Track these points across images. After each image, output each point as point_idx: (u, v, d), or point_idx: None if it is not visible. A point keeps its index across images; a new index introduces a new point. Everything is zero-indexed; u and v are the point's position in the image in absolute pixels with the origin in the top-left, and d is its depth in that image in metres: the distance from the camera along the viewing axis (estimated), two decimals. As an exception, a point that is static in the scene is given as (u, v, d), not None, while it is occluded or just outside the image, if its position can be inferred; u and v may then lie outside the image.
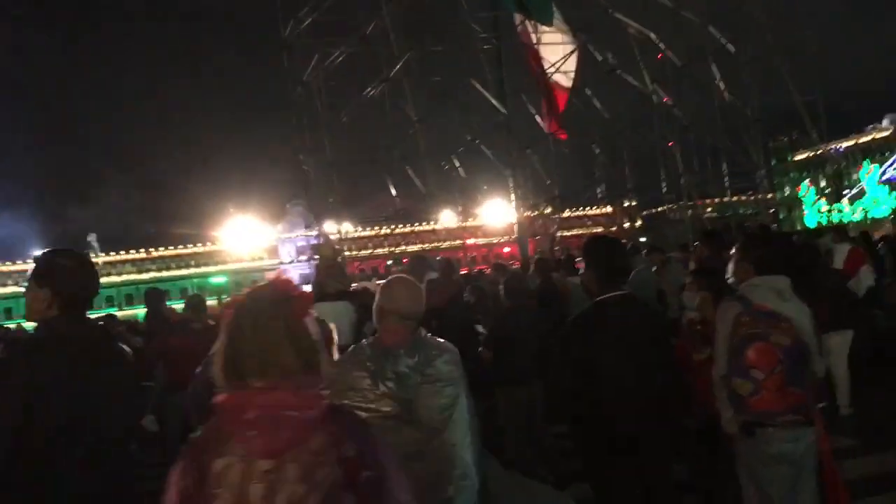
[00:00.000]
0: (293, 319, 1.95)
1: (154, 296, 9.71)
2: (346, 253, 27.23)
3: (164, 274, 52.81)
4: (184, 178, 70.35)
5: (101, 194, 66.35)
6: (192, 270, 52.88)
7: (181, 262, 53.54)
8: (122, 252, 54.05)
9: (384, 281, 3.53)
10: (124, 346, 3.96)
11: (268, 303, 1.95)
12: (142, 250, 54.46)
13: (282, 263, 48.42)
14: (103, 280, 53.68)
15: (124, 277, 53.63)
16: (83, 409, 2.74)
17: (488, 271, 12.98)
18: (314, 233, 23.16)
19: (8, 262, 53.04)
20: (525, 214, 24.89)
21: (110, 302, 48.88)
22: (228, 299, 2.20)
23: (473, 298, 8.80)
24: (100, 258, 51.33)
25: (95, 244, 23.05)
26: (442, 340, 3.24)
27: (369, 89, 22.64)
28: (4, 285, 51.01)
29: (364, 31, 21.87)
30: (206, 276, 51.69)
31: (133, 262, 54.99)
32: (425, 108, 22.56)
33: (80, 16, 76.38)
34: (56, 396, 2.69)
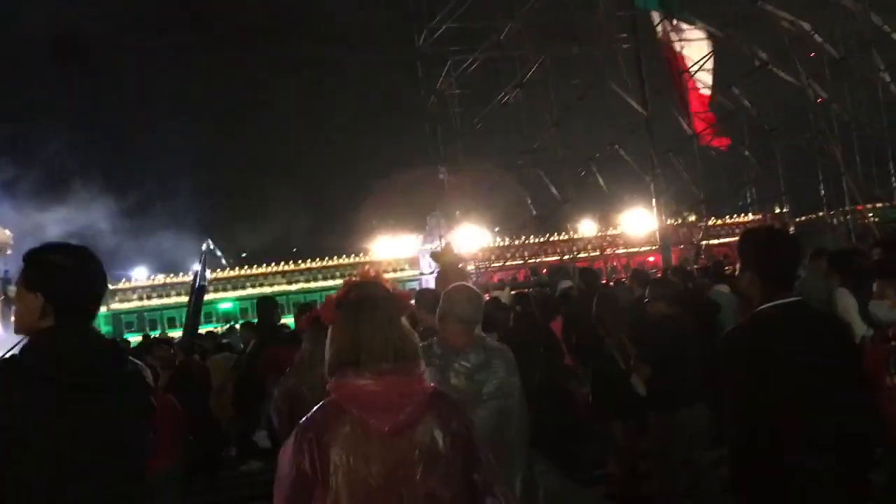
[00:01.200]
0: (396, 313, 2.19)
1: (265, 306, 9.62)
2: (480, 263, 26.95)
3: (312, 285, 54.75)
4: (330, 191, 72.77)
5: (255, 207, 69.58)
6: (339, 281, 54.44)
7: (328, 273, 55.27)
8: (272, 264, 56.47)
9: (449, 288, 3.75)
10: (143, 368, 3.38)
11: (376, 299, 2.18)
12: (291, 262, 56.64)
13: (422, 274, 48.97)
14: (254, 291, 56.31)
15: (275, 289, 55.90)
16: (75, 455, 2.17)
17: (627, 281, 12.18)
18: (448, 242, 22.97)
19: (171, 275, 56.59)
20: (668, 222, 23.74)
21: (262, 311, 51.03)
22: (328, 299, 2.31)
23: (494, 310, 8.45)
24: (241, 271, 53.88)
25: (218, 252, 23.72)
26: (498, 343, 3.67)
27: (503, 95, 22.28)
28: (168, 296, 54.50)
29: (498, 36, 21.55)
30: (350, 286, 53.17)
31: (283, 273, 57.26)
32: (561, 111, 21.93)
33: (239, 38, 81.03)
34: (39, 439, 2.13)
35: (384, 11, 61.98)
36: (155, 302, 55.50)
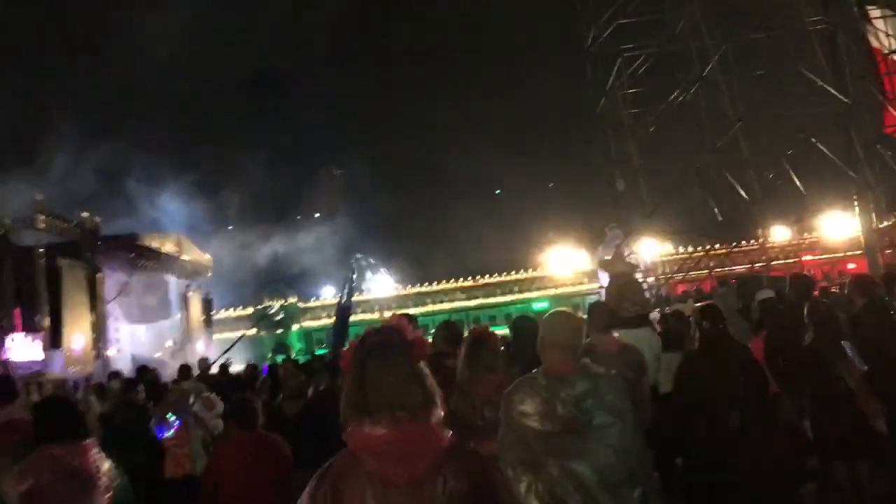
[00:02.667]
0: (415, 362, 2.13)
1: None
2: (662, 274, 25.22)
3: (491, 300, 54.78)
4: (506, 204, 72.59)
5: (432, 225, 70.81)
6: (516, 296, 54.05)
7: (505, 288, 55.09)
8: (451, 280, 57.15)
9: (547, 314, 3.60)
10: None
11: (394, 346, 2.13)
12: (469, 278, 57.07)
13: (601, 287, 47.32)
14: (435, 307, 57.17)
15: (455, 304, 56.49)
16: None
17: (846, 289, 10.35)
18: (627, 253, 21.63)
19: (357, 293, 58.50)
20: (875, 224, 21.12)
21: (443, 328, 51.76)
22: (351, 344, 2.30)
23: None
24: (421, 288, 54.68)
25: (367, 262, 23.69)
26: (604, 370, 3.38)
27: (680, 91, 20.70)
28: (355, 313, 56.33)
29: (673, 29, 20.08)
30: (528, 301, 52.44)
31: (462, 289, 57.84)
32: (747, 105, 20.04)
33: (402, 52, 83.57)
34: None
35: (543, 22, 61.24)
36: (342, 319, 57.57)
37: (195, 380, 9.16)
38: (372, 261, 21.61)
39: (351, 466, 2.04)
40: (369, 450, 2.02)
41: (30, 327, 28.24)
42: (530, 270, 54.39)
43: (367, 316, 47.88)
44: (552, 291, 51.61)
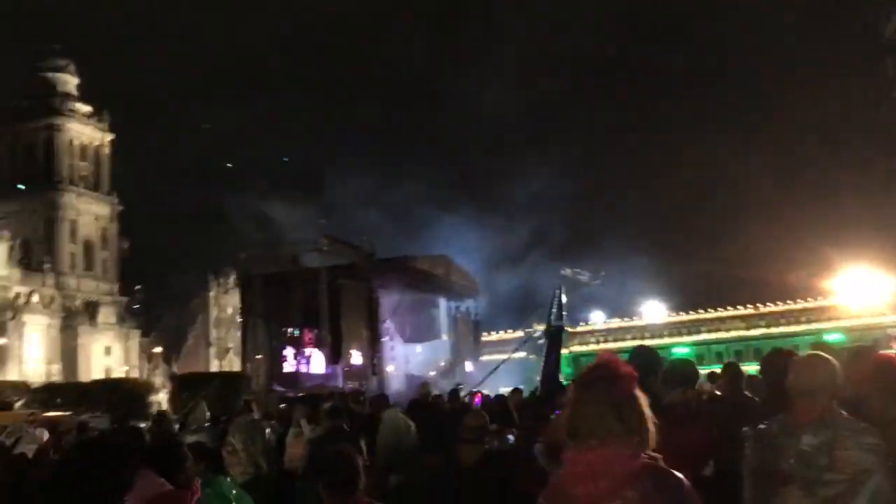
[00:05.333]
0: (618, 393, 2.38)
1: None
2: None
3: (774, 330, 50.33)
4: (790, 223, 66.66)
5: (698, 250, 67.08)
6: (804, 327, 49.07)
7: (791, 317, 50.32)
8: (729, 308, 53.60)
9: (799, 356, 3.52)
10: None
11: (600, 380, 2.43)
12: (749, 306, 53.13)
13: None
14: (713, 336, 54.05)
15: (732, 334, 52.91)
16: None
17: None
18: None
19: (626, 319, 57.01)
20: None
21: (720, 358, 48.64)
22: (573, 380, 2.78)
23: None
24: (696, 315, 51.60)
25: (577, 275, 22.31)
26: (854, 420, 3.08)
27: None
28: (623, 339, 54.76)
29: None
30: (818, 332, 47.40)
31: (742, 318, 54.14)
32: None
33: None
34: None
35: (820, 21, 55.51)
36: (610, 346, 56.37)
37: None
38: (582, 275, 20.37)
39: (561, 485, 2.41)
40: (570, 470, 2.38)
41: (315, 343, 30.58)
42: (819, 298, 49.00)
43: (632, 343, 46.05)
44: (846, 323, 45.88)
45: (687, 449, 3.41)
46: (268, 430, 8.54)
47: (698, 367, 4.77)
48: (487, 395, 12.34)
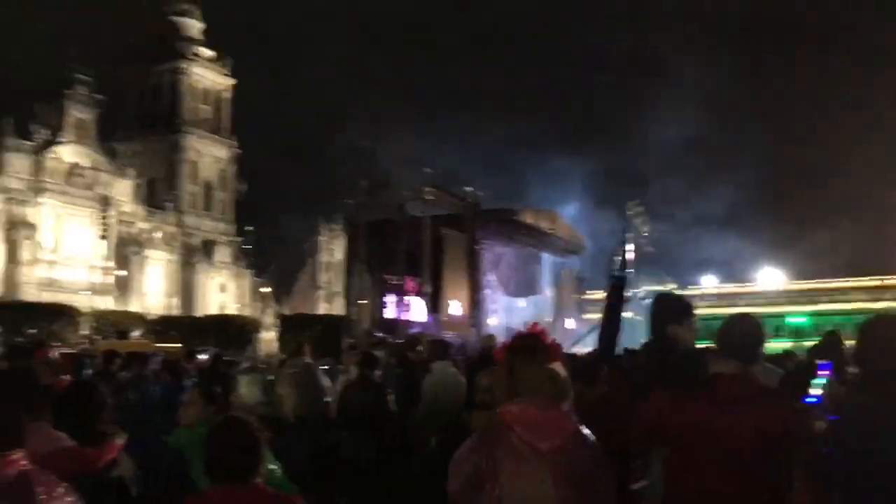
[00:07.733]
0: (549, 361, 2.74)
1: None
2: None
3: (898, 304, 47.34)
4: None
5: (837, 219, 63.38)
6: (934, 300, 45.95)
7: (921, 290, 47.17)
8: (850, 278, 50.72)
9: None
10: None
11: (536, 349, 2.75)
12: (875, 277, 50.11)
13: None
14: (829, 307, 51.44)
15: (853, 305, 50.06)
16: None
17: None
18: None
19: (739, 284, 54.85)
20: None
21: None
22: (502, 344, 3.04)
23: None
24: (815, 283, 49.02)
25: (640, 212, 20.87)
26: None
27: None
28: (736, 305, 52.71)
29: None
30: (949, 308, 44.30)
31: (865, 289, 51.10)
32: None
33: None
34: None
35: None
36: (722, 311, 54.43)
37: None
38: (642, 212, 18.74)
39: (503, 436, 2.61)
40: (520, 422, 2.59)
41: (416, 291, 30.76)
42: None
43: (745, 309, 44.15)
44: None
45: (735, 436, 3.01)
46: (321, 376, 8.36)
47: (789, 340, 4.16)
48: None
